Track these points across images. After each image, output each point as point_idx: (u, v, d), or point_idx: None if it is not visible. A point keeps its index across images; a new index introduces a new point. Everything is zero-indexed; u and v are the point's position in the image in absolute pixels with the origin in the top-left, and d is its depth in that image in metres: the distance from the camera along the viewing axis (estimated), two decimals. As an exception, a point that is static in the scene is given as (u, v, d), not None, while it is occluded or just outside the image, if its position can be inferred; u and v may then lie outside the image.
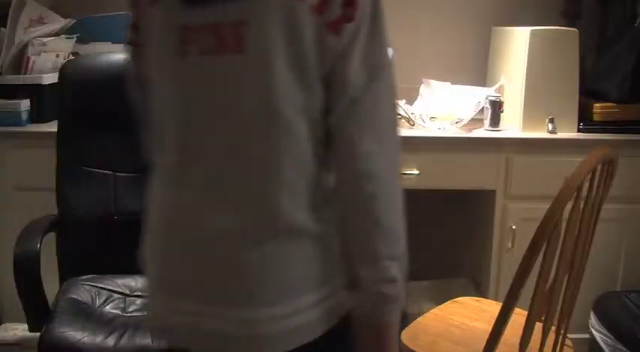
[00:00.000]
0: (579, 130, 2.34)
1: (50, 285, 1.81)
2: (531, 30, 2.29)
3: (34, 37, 2.30)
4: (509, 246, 2.32)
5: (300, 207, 0.96)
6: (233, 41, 0.90)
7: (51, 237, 1.92)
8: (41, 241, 1.78)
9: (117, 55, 2.16)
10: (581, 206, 1.31)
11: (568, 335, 1.54)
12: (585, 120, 2.35)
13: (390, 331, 1.00)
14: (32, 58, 2.30)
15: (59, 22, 2.41)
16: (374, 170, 0.94)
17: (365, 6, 0.91)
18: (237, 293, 0.97)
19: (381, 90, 0.94)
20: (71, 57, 2.40)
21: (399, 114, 1.09)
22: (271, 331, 0.97)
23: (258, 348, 0.98)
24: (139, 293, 1.90)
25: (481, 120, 2.39)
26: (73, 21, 2.44)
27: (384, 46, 0.95)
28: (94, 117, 2.04)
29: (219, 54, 0.91)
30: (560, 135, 2.32)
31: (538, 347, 1.39)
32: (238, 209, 0.95)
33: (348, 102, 0.92)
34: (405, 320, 1.85)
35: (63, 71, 2.05)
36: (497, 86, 2.47)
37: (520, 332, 1.30)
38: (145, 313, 1.12)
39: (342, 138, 0.94)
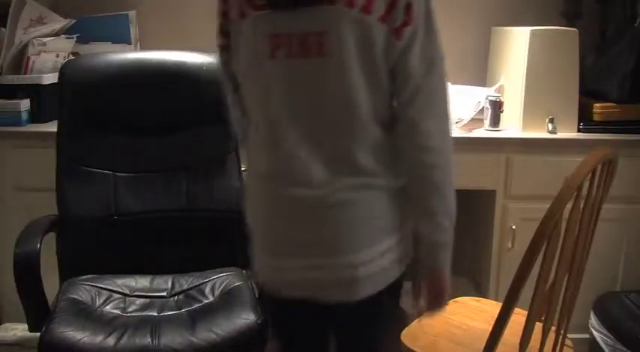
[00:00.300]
0: (579, 130, 2.34)
1: (50, 285, 1.81)
2: (531, 30, 2.29)
3: (34, 37, 2.31)
4: (509, 246, 2.32)
5: (378, 164, 1.20)
6: (315, 47, 1.14)
7: (51, 237, 1.92)
8: (41, 241, 1.78)
9: (117, 55, 2.16)
10: (581, 206, 1.31)
11: (568, 335, 1.54)
12: (585, 120, 2.35)
13: (445, 272, 1.27)
14: (32, 58, 2.30)
15: (59, 22, 2.41)
16: (433, 145, 1.18)
17: (419, 9, 1.14)
18: (332, 243, 1.20)
19: (436, 79, 1.17)
20: (71, 57, 2.40)
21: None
22: (362, 274, 1.21)
23: (354, 290, 1.22)
24: (139, 293, 1.90)
25: (481, 120, 2.39)
26: (73, 21, 2.44)
27: (437, 41, 1.17)
28: (94, 117, 2.04)
29: (303, 57, 1.15)
30: (560, 135, 2.32)
31: (538, 347, 1.39)
32: (327, 173, 1.18)
33: (410, 90, 1.16)
34: (405, 320, 1.85)
35: (63, 71, 2.05)
36: (497, 86, 2.47)
37: (520, 332, 1.30)
38: (255, 272, 1.32)
39: (406, 120, 1.18)
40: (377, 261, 1.23)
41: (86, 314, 1.75)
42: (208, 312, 1.80)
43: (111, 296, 1.87)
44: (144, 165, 2.07)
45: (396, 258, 1.26)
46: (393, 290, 1.30)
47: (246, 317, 1.75)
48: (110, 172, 2.04)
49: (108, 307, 1.82)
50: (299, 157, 1.18)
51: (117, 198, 2.02)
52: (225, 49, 1.28)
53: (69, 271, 1.96)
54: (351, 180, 1.19)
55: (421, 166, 1.20)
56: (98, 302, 1.84)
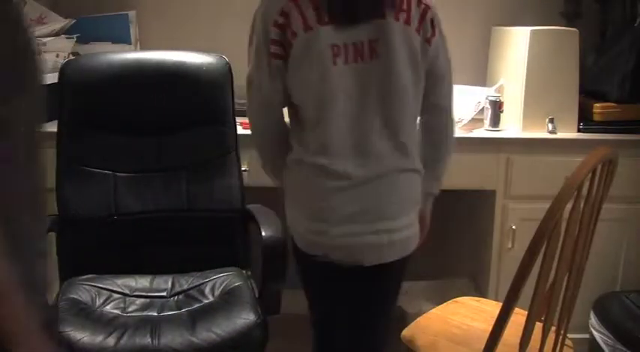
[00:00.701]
0: (579, 130, 2.34)
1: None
2: (531, 30, 2.29)
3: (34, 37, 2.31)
4: (509, 246, 2.32)
5: (414, 153, 1.53)
6: (369, 52, 1.43)
7: (51, 237, 1.92)
8: (41, 241, 1.78)
9: (117, 55, 2.15)
10: (581, 206, 1.31)
11: (568, 335, 1.54)
12: (585, 120, 2.35)
13: (429, 213, 1.66)
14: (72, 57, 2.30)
15: (59, 22, 2.41)
16: (447, 112, 1.60)
17: (438, 23, 1.51)
18: (386, 210, 1.48)
19: (450, 72, 1.58)
20: (71, 57, 2.40)
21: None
22: (399, 238, 1.50)
23: (394, 253, 1.51)
24: (139, 293, 1.90)
25: (481, 120, 2.39)
26: (73, 21, 2.44)
27: (447, 45, 1.57)
28: (93, 117, 2.04)
29: (358, 62, 1.43)
30: (560, 135, 2.32)
31: (538, 347, 1.39)
32: (390, 156, 1.48)
33: (442, 86, 1.56)
34: (405, 319, 1.86)
35: (63, 71, 2.04)
36: (497, 86, 2.47)
37: (520, 332, 1.30)
38: (315, 241, 1.50)
39: (437, 107, 1.58)
40: (411, 227, 1.53)
41: (86, 314, 1.75)
42: (208, 312, 1.80)
43: (111, 296, 1.87)
44: (144, 165, 2.07)
45: (417, 231, 1.56)
46: (408, 260, 1.56)
47: (246, 317, 1.75)
48: (110, 172, 2.04)
49: (108, 307, 1.82)
50: (368, 143, 1.47)
51: (117, 198, 2.02)
52: (279, 58, 1.45)
53: (69, 271, 1.96)
54: (403, 161, 1.50)
55: (440, 124, 1.60)
56: (98, 302, 1.84)
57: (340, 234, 1.46)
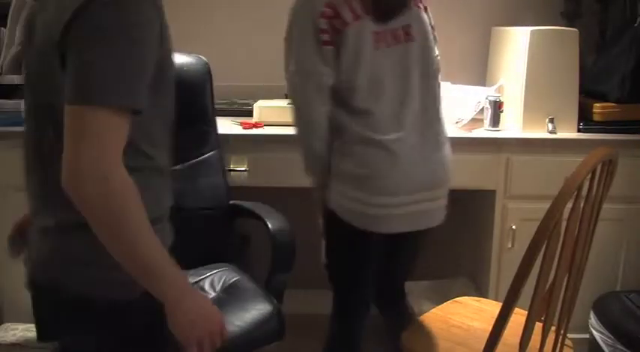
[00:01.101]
0: (579, 130, 2.34)
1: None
2: (531, 30, 2.29)
3: (34, 37, 2.31)
4: (509, 246, 2.32)
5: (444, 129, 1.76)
6: (404, 36, 1.67)
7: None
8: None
9: None
10: (581, 206, 1.31)
11: (568, 335, 1.54)
12: (585, 120, 2.35)
13: None
14: None
15: (59, 22, 2.41)
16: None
17: (431, 15, 1.76)
18: (431, 179, 1.69)
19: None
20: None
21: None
22: (441, 205, 1.74)
23: (438, 218, 1.75)
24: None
25: (481, 120, 2.39)
26: (73, 21, 2.44)
27: None
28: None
29: (396, 45, 1.67)
30: (560, 135, 2.32)
31: (538, 347, 1.39)
32: (434, 129, 1.72)
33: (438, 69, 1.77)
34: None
35: None
36: (497, 86, 2.47)
37: (520, 332, 1.30)
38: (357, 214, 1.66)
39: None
40: (445, 198, 1.75)
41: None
42: (221, 307, 1.80)
43: None
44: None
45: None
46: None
47: (261, 308, 1.77)
48: None
49: None
50: (415, 121, 1.67)
51: None
52: (330, 44, 1.61)
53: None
54: (443, 133, 1.74)
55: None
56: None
57: (405, 203, 1.66)
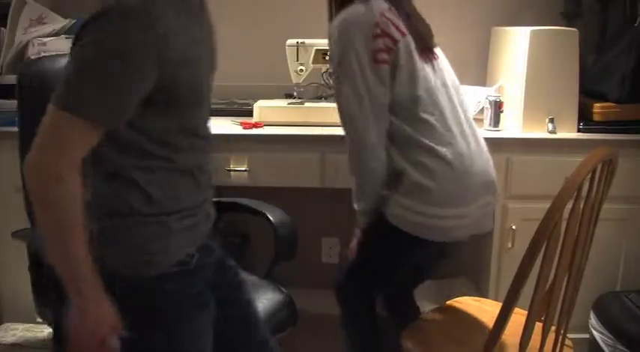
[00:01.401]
0: (579, 130, 2.34)
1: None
2: (531, 30, 2.29)
3: (34, 37, 2.31)
4: (509, 246, 2.32)
5: None
6: (432, 54, 1.79)
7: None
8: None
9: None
10: (581, 206, 1.31)
11: (568, 335, 1.54)
12: (585, 120, 2.35)
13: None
14: (32, 58, 2.30)
15: (59, 22, 2.41)
16: None
17: None
18: (490, 184, 1.77)
19: None
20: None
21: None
22: (495, 207, 1.85)
23: (493, 220, 1.87)
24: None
25: (481, 120, 2.39)
26: (73, 21, 2.44)
27: None
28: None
29: (431, 61, 1.77)
30: (560, 135, 2.32)
31: (538, 347, 1.39)
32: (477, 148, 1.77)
33: None
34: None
35: (22, 75, 1.89)
36: (497, 86, 2.47)
37: (520, 332, 1.30)
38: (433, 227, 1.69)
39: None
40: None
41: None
42: None
43: None
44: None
45: None
46: None
47: (271, 297, 1.78)
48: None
49: None
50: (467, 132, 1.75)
51: None
52: (386, 63, 1.66)
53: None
54: (482, 140, 1.84)
55: None
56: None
57: (472, 211, 1.71)
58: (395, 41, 1.67)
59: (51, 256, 1.12)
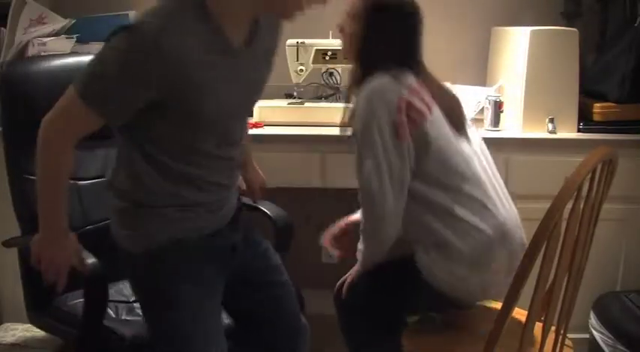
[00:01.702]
0: (579, 130, 2.34)
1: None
2: (531, 30, 2.29)
3: (34, 37, 2.30)
4: (509, 246, 2.31)
5: None
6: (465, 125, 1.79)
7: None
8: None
9: (58, 59, 2.01)
10: (581, 206, 1.31)
11: (568, 335, 1.54)
12: (585, 120, 2.35)
13: None
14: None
15: (59, 22, 2.41)
16: None
17: None
18: (523, 241, 1.73)
19: None
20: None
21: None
22: None
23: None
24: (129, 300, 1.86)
25: (481, 120, 2.39)
26: (73, 21, 2.44)
27: None
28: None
29: (467, 131, 1.78)
30: (560, 135, 2.32)
31: (538, 347, 1.39)
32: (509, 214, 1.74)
33: None
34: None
35: (4, 77, 1.83)
36: (497, 86, 2.47)
37: (520, 332, 1.30)
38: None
39: None
40: None
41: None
42: None
43: (116, 305, 1.83)
44: (105, 170, 1.93)
45: None
46: None
47: None
48: (72, 181, 1.80)
49: (123, 315, 1.80)
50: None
51: (84, 208, 1.91)
52: (409, 139, 1.64)
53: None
54: (508, 195, 1.80)
55: None
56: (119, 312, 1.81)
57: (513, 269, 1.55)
58: (423, 115, 1.64)
59: (38, 192, 1.40)
